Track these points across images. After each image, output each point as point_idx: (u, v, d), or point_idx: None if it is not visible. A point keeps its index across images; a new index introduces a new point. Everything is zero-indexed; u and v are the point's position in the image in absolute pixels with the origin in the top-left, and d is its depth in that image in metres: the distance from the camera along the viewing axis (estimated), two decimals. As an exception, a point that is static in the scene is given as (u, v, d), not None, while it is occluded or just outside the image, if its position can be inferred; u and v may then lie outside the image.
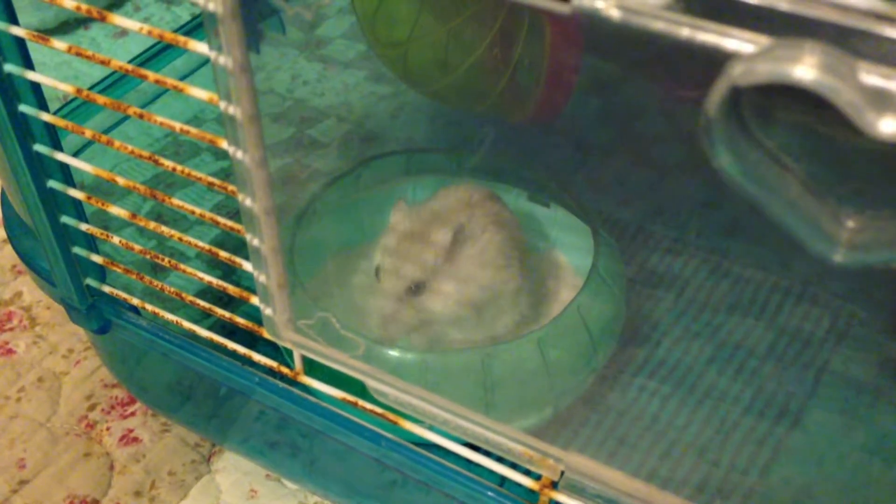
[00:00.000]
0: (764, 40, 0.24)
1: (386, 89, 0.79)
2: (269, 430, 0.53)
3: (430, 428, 0.41)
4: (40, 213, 0.47)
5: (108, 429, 0.64)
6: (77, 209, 0.48)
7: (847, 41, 0.23)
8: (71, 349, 0.70)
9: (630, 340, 0.59)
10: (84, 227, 0.48)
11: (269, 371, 0.46)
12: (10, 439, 0.64)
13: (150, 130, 0.74)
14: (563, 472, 0.37)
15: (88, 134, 0.43)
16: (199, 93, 0.36)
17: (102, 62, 0.39)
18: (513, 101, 0.64)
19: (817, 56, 0.23)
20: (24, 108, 0.43)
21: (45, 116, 0.43)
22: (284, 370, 0.45)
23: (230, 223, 0.40)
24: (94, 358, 0.69)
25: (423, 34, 0.63)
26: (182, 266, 0.45)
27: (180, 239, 0.44)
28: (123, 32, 0.93)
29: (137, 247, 0.46)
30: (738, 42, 0.24)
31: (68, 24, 0.95)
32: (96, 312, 0.53)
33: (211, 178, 0.39)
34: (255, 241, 0.38)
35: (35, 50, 0.42)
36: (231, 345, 0.46)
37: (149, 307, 0.49)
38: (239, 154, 0.35)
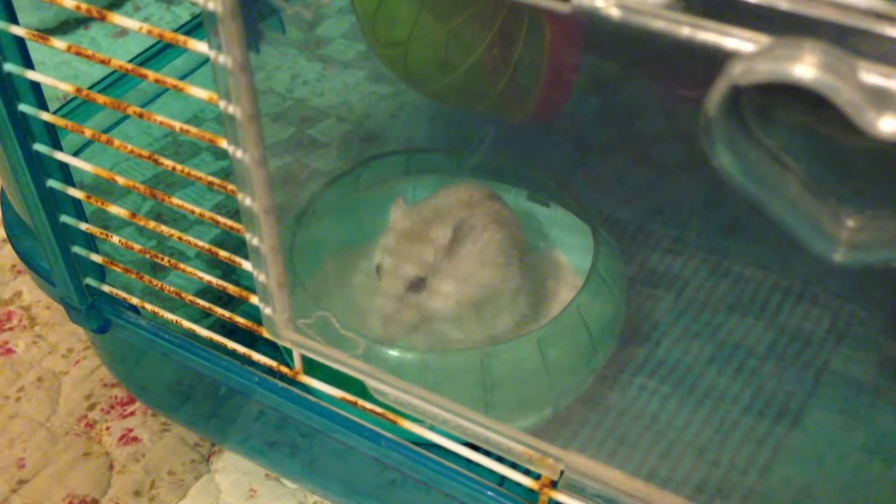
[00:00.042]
0: (764, 39, 0.24)
1: (386, 89, 0.79)
2: (268, 430, 0.52)
3: (430, 427, 0.41)
4: (40, 212, 0.47)
5: (107, 428, 0.64)
6: (77, 208, 0.48)
7: (847, 40, 0.23)
8: (70, 349, 0.70)
9: (630, 340, 0.59)
10: (84, 226, 0.48)
11: (269, 370, 0.46)
12: (10, 439, 0.64)
13: (149, 130, 0.74)
14: (562, 472, 0.37)
15: (88, 133, 0.43)
16: (199, 92, 0.36)
17: (102, 62, 0.39)
18: (513, 100, 0.64)
19: (817, 55, 0.23)
20: (23, 107, 0.43)
21: (45, 116, 0.43)
22: (284, 370, 0.45)
23: (230, 222, 0.40)
24: (93, 357, 0.69)
25: (423, 34, 0.63)
26: (182, 265, 0.45)
27: (180, 238, 0.44)
28: (123, 32, 0.93)
29: (137, 246, 0.46)
30: (738, 41, 0.24)
31: (68, 24, 0.95)
32: (96, 312, 0.53)
33: (211, 178, 0.39)
34: (255, 241, 0.38)
35: (35, 49, 0.42)
36: (231, 344, 0.46)
37: (148, 307, 0.49)
38: (239, 153, 0.35)
